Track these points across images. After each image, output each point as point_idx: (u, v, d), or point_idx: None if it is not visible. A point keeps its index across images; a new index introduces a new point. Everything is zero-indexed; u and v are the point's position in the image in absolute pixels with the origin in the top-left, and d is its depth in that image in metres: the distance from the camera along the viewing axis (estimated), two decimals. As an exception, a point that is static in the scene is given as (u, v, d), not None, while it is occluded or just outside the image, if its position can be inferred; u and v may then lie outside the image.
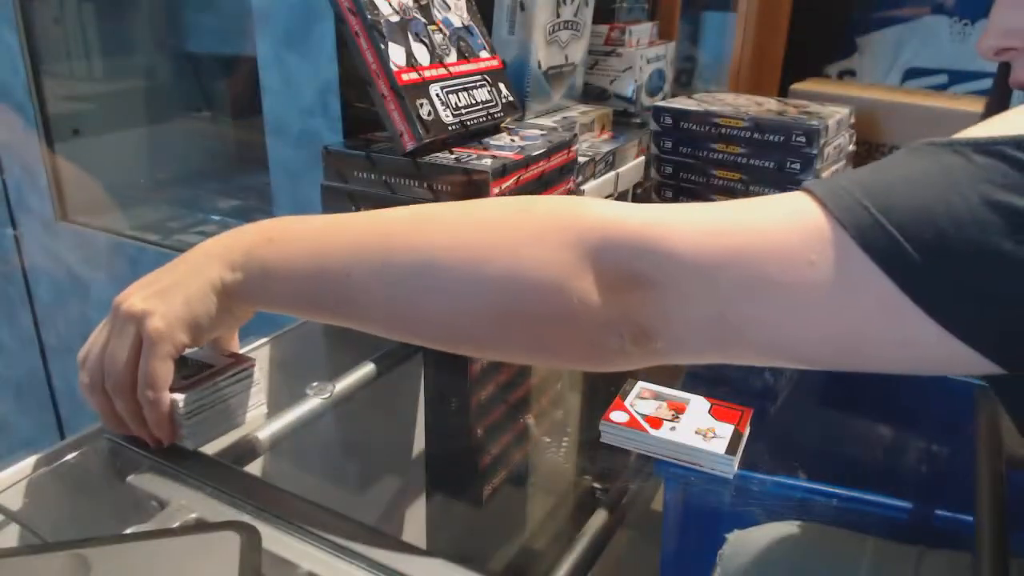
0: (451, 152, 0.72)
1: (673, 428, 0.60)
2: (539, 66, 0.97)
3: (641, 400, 0.64)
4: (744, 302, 0.36)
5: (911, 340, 0.33)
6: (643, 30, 1.16)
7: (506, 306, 0.40)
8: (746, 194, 0.94)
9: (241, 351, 0.58)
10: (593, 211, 0.40)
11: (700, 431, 0.60)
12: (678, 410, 0.63)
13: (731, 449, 0.58)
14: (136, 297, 0.48)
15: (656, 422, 0.61)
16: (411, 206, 0.47)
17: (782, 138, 0.89)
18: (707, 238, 0.37)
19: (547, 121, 0.96)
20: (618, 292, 0.38)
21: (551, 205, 0.43)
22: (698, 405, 0.63)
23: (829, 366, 0.37)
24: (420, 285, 0.42)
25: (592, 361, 0.42)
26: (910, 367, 0.36)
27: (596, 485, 0.67)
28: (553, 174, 0.78)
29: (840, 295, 0.34)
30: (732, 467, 0.58)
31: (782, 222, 0.36)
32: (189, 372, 0.53)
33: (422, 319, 0.43)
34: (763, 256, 0.35)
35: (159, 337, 0.47)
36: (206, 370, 0.54)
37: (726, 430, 0.60)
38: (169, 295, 0.48)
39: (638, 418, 0.61)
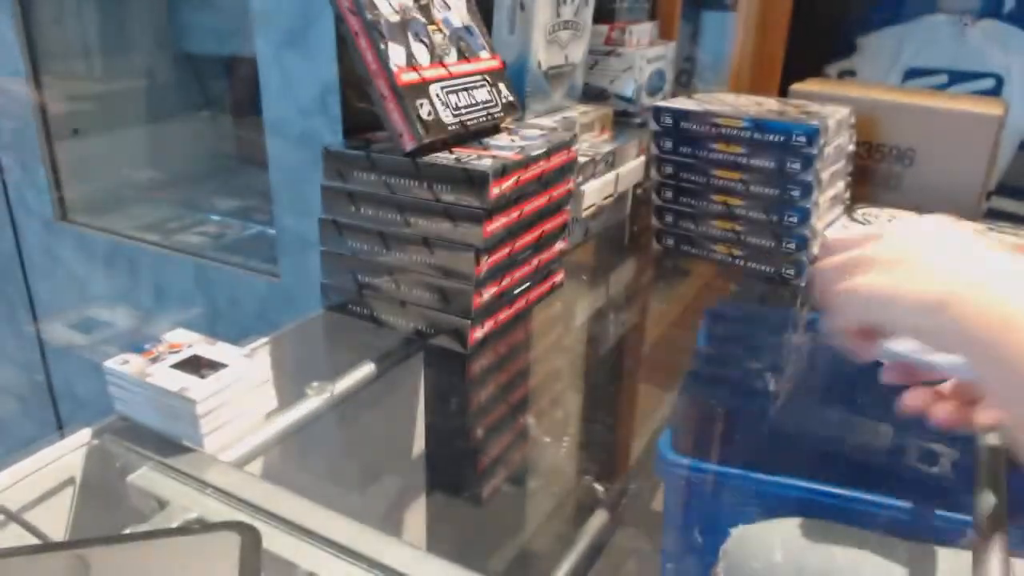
0: (451, 152, 0.72)
1: None
2: (539, 66, 0.97)
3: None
4: None
5: None
6: (643, 30, 1.16)
7: None
8: (746, 194, 0.94)
9: (243, 350, 0.58)
10: None
11: None
12: None
13: None
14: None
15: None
16: None
17: (782, 138, 0.89)
18: None
19: (547, 121, 0.96)
20: None
21: None
22: None
23: None
24: None
25: None
26: None
27: (596, 485, 0.67)
28: (553, 174, 0.78)
29: None
30: None
31: None
32: (205, 371, 0.53)
33: None
34: None
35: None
36: (221, 369, 0.54)
37: None
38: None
39: None
